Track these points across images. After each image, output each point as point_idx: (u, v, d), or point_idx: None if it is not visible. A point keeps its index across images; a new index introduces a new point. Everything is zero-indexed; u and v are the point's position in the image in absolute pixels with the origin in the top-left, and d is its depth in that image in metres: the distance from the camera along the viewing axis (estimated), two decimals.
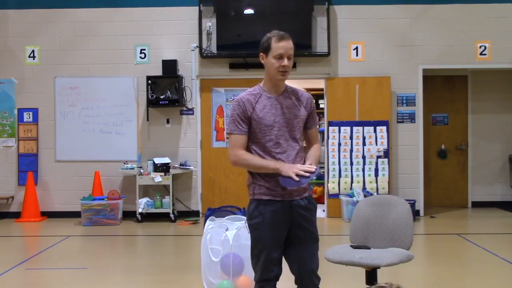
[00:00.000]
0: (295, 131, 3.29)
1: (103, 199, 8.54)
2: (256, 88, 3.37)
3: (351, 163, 8.81)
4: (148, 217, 8.62)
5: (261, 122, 3.24)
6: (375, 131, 8.81)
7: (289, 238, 3.28)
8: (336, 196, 8.79)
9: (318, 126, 3.46)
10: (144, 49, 9.04)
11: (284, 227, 3.25)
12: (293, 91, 3.36)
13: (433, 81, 9.70)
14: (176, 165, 8.78)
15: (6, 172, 9.09)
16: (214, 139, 9.10)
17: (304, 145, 3.43)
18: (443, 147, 9.95)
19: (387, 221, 4.00)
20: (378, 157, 8.80)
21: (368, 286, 3.90)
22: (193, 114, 9.06)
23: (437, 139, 9.96)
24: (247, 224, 3.37)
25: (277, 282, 3.32)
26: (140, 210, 8.51)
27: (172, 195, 8.69)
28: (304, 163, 3.28)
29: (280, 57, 3.20)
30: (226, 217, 5.06)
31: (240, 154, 3.25)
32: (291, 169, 3.13)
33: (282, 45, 3.20)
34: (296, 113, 3.31)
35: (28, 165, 9.05)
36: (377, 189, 8.74)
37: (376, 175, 8.79)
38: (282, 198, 3.24)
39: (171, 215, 8.59)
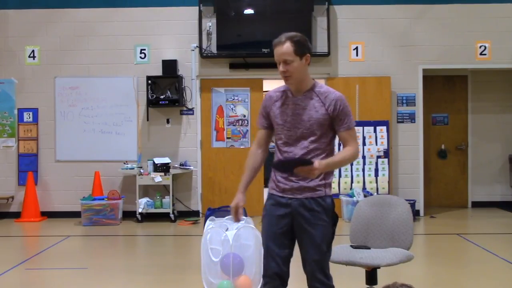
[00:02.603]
0: (308, 132, 3.23)
1: (103, 199, 8.53)
2: (285, 85, 3.36)
3: (351, 163, 8.81)
4: (148, 217, 8.62)
5: (274, 121, 3.33)
6: (375, 131, 8.81)
7: (296, 238, 3.30)
8: (336, 196, 8.78)
9: (352, 128, 3.30)
10: (144, 49, 9.04)
11: (282, 223, 3.25)
12: (320, 92, 3.27)
13: (433, 81, 9.70)
14: (176, 165, 8.78)
15: (6, 172, 9.09)
16: (214, 139, 9.10)
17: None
18: (443, 147, 9.95)
19: (387, 221, 4.00)
20: (378, 157, 8.80)
21: (368, 286, 3.91)
22: (193, 114, 9.06)
23: (437, 139, 9.96)
24: None
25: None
26: (140, 210, 8.51)
27: (172, 195, 8.69)
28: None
29: (278, 63, 3.23)
30: (226, 217, 5.06)
31: (250, 150, 3.46)
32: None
33: (275, 52, 3.21)
34: (312, 114, 3.23)
35: (28, 165, 9.05)
36: (377, 189, 8.74)
37: (376, 175, 8.79)
38: (283, 194, 3.25)
39: (171, 215, 8.59)
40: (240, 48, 8.82)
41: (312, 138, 3.24)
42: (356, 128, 8.63)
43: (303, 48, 3.20)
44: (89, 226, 8.27)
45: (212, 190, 9.05)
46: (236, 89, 9.02)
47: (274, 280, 3.27)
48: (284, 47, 3.18)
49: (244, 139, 9.04)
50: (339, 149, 3.34)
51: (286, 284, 3.34)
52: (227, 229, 4.79)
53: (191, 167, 8.85)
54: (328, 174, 3.27)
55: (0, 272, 5.60)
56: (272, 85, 13.03)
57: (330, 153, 3.28)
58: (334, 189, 8.82)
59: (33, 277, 5.68)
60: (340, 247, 3.90)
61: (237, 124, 9.08)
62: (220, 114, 9.11)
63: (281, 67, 3.20)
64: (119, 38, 9.04)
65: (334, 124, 3.26)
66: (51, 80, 9.07)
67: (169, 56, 8.95)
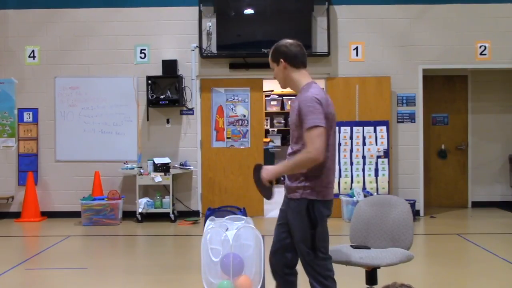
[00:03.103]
0: (292, 133, 3.42)
1: (103, 199, 8.54)
2: None
3: (351, 163, 8.81)
4: (148, 217, 8.62)
5: None
6: (375, 131, 8.81)
7: None
8: (336, 196, 8.78)
9: (309, 129, 3.22)
10: (144, 49, 9.04)
11: (281, 216, 3.55)
12: (300, 95, 3.39)
13: (433, 81, 9.70)
14: (176, 165, 8.78)
15: (6, 172, 9.09)
16: (214, 139, 9.09)
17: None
18: (443, 147, 9.95)
19: (387, 221, 4.00)
20: (378, 157, 8.80)
21: (368, 286, 3.91)
22: (193, 114, 9.06)
23: (437, 139, 9.96)
24: None
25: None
26: (140, 210, 8.51)
27: (172, 195, 8.69)
28: None
29: None
30: (226, 217, 5.06)
31: None
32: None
33: None
34: (292, 117, 3.41)
35: (28, 165, 9.05)
36: (377, 189, 8.74)
37: (376, 175, 8.79)
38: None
39: (171, 215, 8.59)
40: (240, 48, 8.82)
41: (294, 139, 3.41)
42: (356, 128, 8.79)
43: (276, 55, 3.43)
44: (89, 226, 8.27)
45: (212, 190, 9.05)
46: (236, 89, 9.01)
47: (272, 268, 3.60)
48: (269, 56, 3.51)
49: (244, 139, 9.04)
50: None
51: (275, 275, 3.55)
52: (227, 229, 4.79)
53: (191, 167, 8.85)
54: (309, 177, 3.30)
55: (0, 272, 5.61)
56: (272, 85, 13.10)
57: None
58: (334, 189, 8.80)
59: (33, 277, 5.67)
60: (340, 247, 3.90)
61: (237, 124, 9.08)
62: (220, 114, 9.11)
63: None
64: (119, 38, 9.04)
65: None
66: (51, 80, 9.08)
67: (169, 56, 8.95)
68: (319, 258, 3.37)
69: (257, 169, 3.42)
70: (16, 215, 8.94)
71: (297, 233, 3.38)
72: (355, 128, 8.82)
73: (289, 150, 3.44)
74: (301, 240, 3.37)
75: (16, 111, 9.10)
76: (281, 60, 3.40)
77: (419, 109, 9.01)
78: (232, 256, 4.60)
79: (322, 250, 3.39)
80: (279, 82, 3.50)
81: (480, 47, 8.98)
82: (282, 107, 12.74)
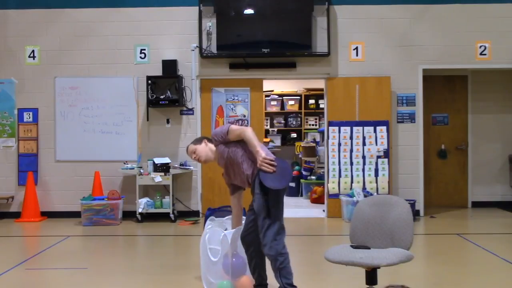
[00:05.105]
0: (236, 170, 4.66)
1: (103, 199, 8.54)
2: None
3: (351, 163, 8.81)
4: (148, 217, 8.62)
5: None
6: (375, 131, 8.81)
7: None
8: (336, 196, 8.79)
9: (228, 130, 4.51)
10: (144, 49, 9.04)
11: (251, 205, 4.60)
12: (216, 148, 4.62)
13: (433, 81, 9.71)
14: (176, 165, 8.78)
15: (6, 172, 9.09)
16: None
17: None
18: (443, 147, 9.95)
19: (387, 221, 4.00)
20: (378, 157, 8.80)
21: (368, 286, 3.91)
22: (193, 114, 9.06)
23: (437, 139, 9.97)
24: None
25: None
26: (140, 210, 8.51)
27: (172, 195, 8.69)
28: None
29: None
30: (226, 217, 5.08)
31: None
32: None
33: None
34: (227, 158, 4.60)
35: (28, 165, 9.05)
36: (377, 189, 8.74)
37: (376, 175, 8.79)
38: None
39: (171, 215, 8.59)
40: (240, 48, 8.82)
41: (241, 170, 4.54)
42: (356, 128, 8.81)
43: (199, 139, 4.69)
44: (89, 226, 8.27)
45: (212, 190, 9.05)
46: (236, 89, 9.01)
47: None
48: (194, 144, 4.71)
49: None
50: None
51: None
52: (226, 229, 4.80)
53: (191, 167, 8.85)
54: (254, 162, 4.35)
55: (0, 272, 5.61)
56: (272, 85, 13.08)
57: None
58: (334, 189, 8.82)
59: (33, 277, 5.67)
60: (340, 247, 3.91)
61: (237, 124, 9.07)
62: (220, 114, 9.11)
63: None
64: (119, 38, 9.04)
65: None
66: (51, 80, 9.08)
67: (169, 56, 8.95)
68: (271, 223, 4.17)
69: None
70: (16, 215, 8.94)
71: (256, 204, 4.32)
72: (355, 128, 8.82)
73: (248, 172, 4.41)
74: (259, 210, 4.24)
75: (16, 111, 9.10)
76: (204, 140, 4.62)
77: (419, 109, 9.01)
78: (235, 256, 4.61)
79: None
80: (203, 159, 4.62)
81: (480, 47, 8.98)
82: (282, 107, 12.74)
